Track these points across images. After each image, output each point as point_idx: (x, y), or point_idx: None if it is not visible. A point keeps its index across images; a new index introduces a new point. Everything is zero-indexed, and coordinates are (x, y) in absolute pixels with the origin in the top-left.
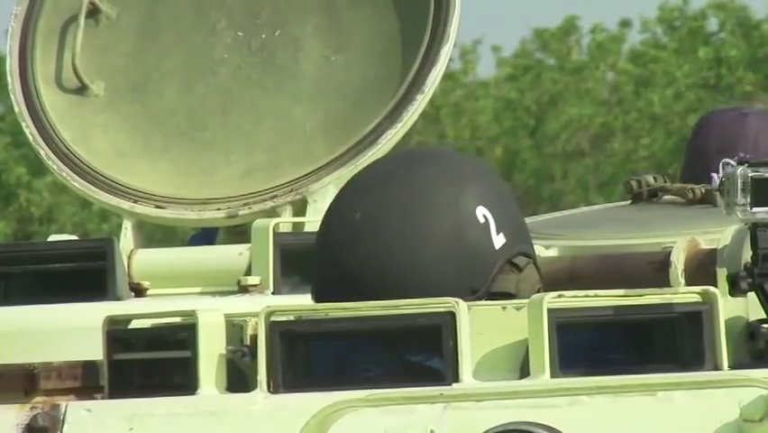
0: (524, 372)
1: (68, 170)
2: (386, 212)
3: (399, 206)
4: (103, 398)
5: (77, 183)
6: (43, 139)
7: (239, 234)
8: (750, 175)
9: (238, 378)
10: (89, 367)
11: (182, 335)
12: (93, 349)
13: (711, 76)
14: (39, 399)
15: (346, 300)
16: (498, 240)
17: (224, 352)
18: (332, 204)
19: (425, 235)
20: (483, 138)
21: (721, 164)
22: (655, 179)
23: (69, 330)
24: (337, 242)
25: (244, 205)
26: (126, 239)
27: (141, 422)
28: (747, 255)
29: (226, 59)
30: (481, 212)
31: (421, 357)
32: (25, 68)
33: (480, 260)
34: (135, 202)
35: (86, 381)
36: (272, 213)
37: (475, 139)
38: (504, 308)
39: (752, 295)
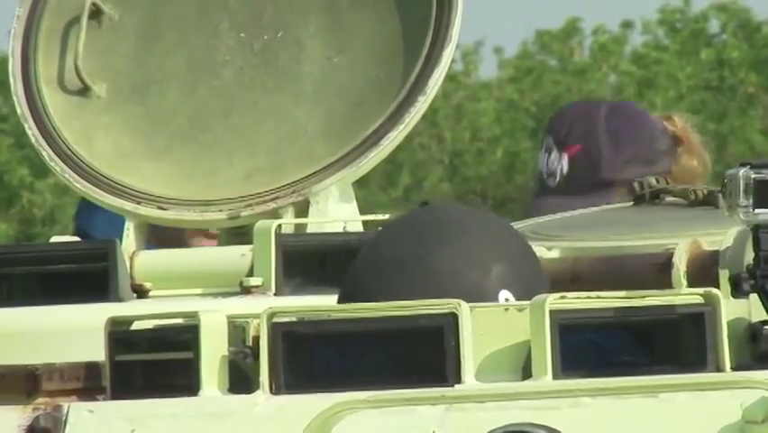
0: (526, 373)
1: (71, 172)
2: (408, 299)
3: (421, 292)
4: (105, 399)
5: (79, 185)
6: (45, 140)
7: (241, 235)
8: (753, 176)
9: (240, 379)
10: (91, 368)
11: (184, 336)
12: (95, 350)
13: (714, 78)
14: (41, 400)
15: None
16: None
17: (227, 353)
18: (352, 280)
19: None
20: (484, 139)
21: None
22: (657, 180)
23: (71, 331)
24: None
25: (246, 206)
26: (128, 240)
27: (144, 423)
28: (749, 257)
29: (229, 61)
30: (504, 295)
31: (423, 358)
32: (28, 69)
33: None
34: (138, 203)
35: (88, 382)
36: (274, 214)
37: (476, 140)
38: (506, 309)
39: (754, 297)
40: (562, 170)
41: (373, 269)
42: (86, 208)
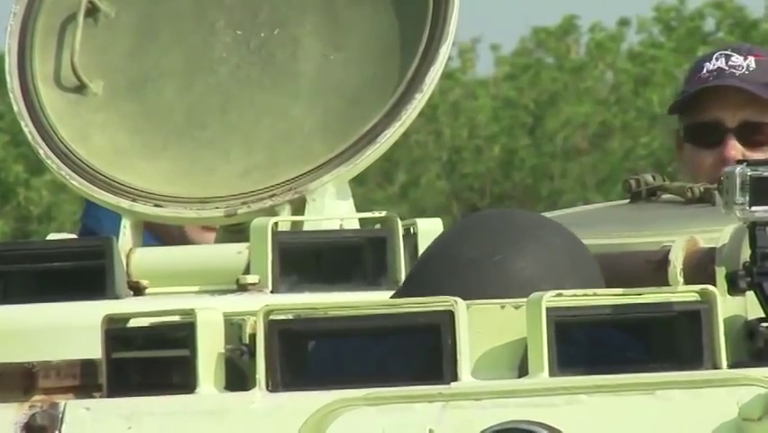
0: (522, 370)
1: (67, 169)
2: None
3: (496, 296)
4: (101, 396)
5: (75, 182)
6: (42, 138)
7: (238, 232)
8: (749, 174)
9: (237, 377)
10: (88, 366)
11: (181, 333)
12: (92, 348)
13: None
14: (37, 397)
15: None
16: None
17: (223, 350)
18: (421, 276)
19: None
20: (481, 137)
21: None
22: (654, 177)
23: (68, 329)
24: None
25: (243, 203)
26: (125, 238)
27: (140, 421)
28: (746, 254)
29: (225, 58)
30: None
31: (420, 356)
32: (24, 66)
33: None
34: (134, 201)
35: (84, 379)
36: (271, 212)
37: (473, 138)
38: (503, 306)
39: (750, 294)
40: (748, 66)
41: (448, 268)
42: (94, 208)
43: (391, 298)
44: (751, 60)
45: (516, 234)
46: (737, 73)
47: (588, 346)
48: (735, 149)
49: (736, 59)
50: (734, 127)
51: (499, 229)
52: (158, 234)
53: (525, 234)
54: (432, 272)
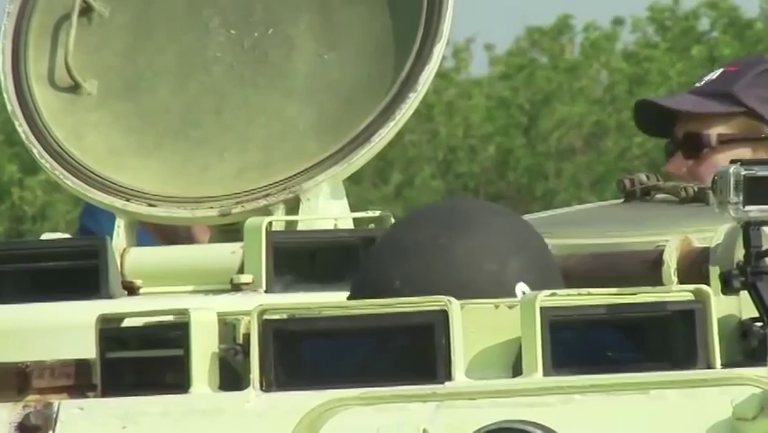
0: (517, 370)
1: (61, 169)
2: (425, 285)
3: (440, 280)
4: (95, 396)
5: (69, 182)
6: (36, 137)
7: (232, 232)
8: (743, 173)
9: (231, 377)
10: (82, 366)
11: (175, 333)
12: (86, 348)
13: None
14: (31, 397)
15: None
16: None
17: (217, 350)
18: (370, 264)
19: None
20: (476, 136)
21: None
22: (648, 177)
23: (62, 329)
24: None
25: (237, 203)
26: (119, 237)
27: (134, 420)
28: (740, 254)
29: (219, 58)
30: (521, 288)
31: (414, 355)
32: (18, 66)
33: None
34: (128, 200)
35: (78, 379)
36: (265, 211)
37: (468, 137)
38: (497, 306)
39: (744, 293)
40: (712, 76)
41: (393, 253)
42: (92, 207)
43: (351, 285)
44: (718, 72)
45: (461, 219)
46: (698, 84)
47: (577, 346)
48: (672, 164)
49: (714, 71)
50: (680, 140)
51: (445, 216)
52: (165, 235)
53: (468, 219)
54: (379, 258)
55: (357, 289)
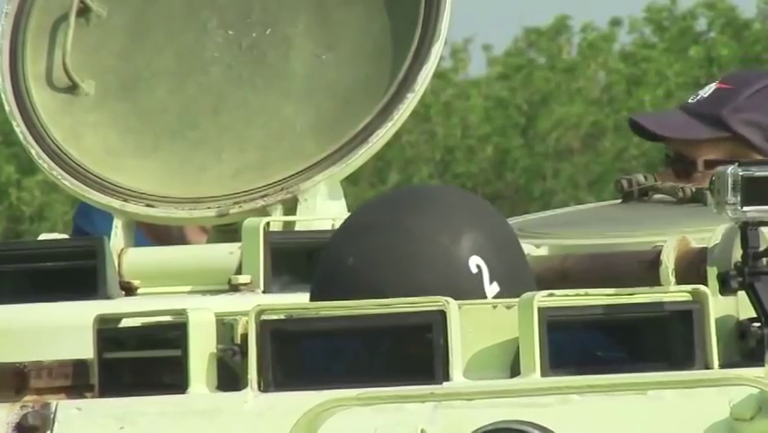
0: (514, 370)
1: (59, 169)
2: (378, 260)
3: (391, 255)
4: (93, 397)
5: (67, 182)
6: (34, 138)
7: (230, 232)
8: (740, 174)
9: (229, 377)
10: (80, 366)
11: (173, 333)
12: (83, 348)
13: (703, 75)
14: (29, 397)
15: None
16: (492, 289)
17: (215, 351)
18: (327, 244)
19: (415, 287)
20: (474, 137)
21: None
22: (646, 177)
23: (60, 329)
24: (329, 285)
25: (235, 203)
26: (117, 238)
27: (132, 421)
28: (738, 254)
29: (217, 58)
30: (475, 262)
31: (411, 356)
32: (16, 66)
33: None
34: (126, 201)
35: (76, 379)
36: (263, 212)
37: (466, 138)
38: (495, 306)
39: (742, 294)
40: (703, 94)
41: (348, 232)
42: (86, 209)
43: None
44: (711, 88)
45: (415, 198)
46: (691, 100)
47: (573, 348)
48: (663, 176)
49: (708, 87)
50: (670, 158)
51: (401, 196)
52: (158, 236)
53: (423, 197)
54: (336, 239)
55: (317, 271)
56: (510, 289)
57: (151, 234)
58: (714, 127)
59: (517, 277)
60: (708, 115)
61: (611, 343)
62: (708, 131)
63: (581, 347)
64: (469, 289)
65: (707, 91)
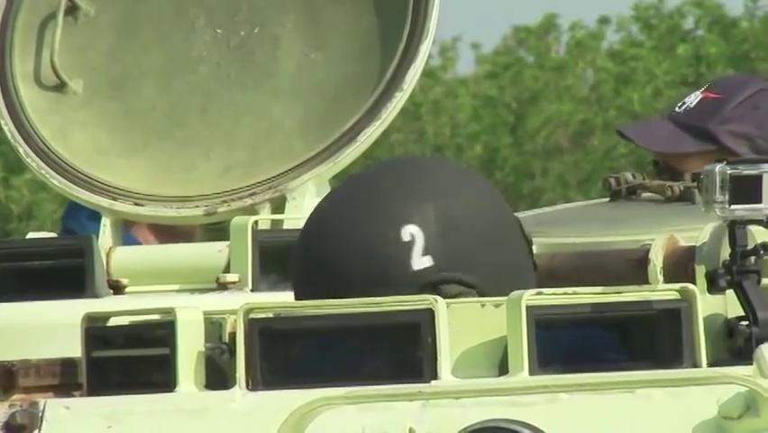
0: (503, 369)
1: (48, 168)
2: (341, 215)
3: (351, 211)
4: (81, 395)
5: (56, 181)
6: (22, 137)
7: (218, 231)
8: (729, 172)
9: (217, 375)
10: (68, 365)
11: (161, 332)
12: (71, 346)
13: (690, 73)
14: (17, 396)
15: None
16: (420, 262)
17: (203, 349)
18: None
19: (350, 247)
20: (463, 135)
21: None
22: (634, 176)
23: (48, 327)
24: (293, 259)
25: (223, 202)
26: (105, 236)
27: (120, 420)
28: (726, 253)
29: (205, 57)
30: (409, 230)
31: (400, 354)
32: (4, 65)
33: (390, 276)
34: (114, 199)
35: (64, 378)
36: (251, 210)
37: (455, 136)
38: (483, 305)
39: (730, 292)
40: (690, 103)
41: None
42: (73, 209)
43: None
44: (698, 97)
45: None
46: (677, 109)
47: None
48: (648, 176)
49: (694, 94)
50: (659, 166)
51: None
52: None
53: (405, 166)
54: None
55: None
56: (448, 268)
57: (159, 234)
58: (701, 140)
59: (469, 260)
60: (695, 128)
61: (603, 341)
62: (696, 144)
63: (573, 345)
64: (391, 254)
65: (693, 100)
